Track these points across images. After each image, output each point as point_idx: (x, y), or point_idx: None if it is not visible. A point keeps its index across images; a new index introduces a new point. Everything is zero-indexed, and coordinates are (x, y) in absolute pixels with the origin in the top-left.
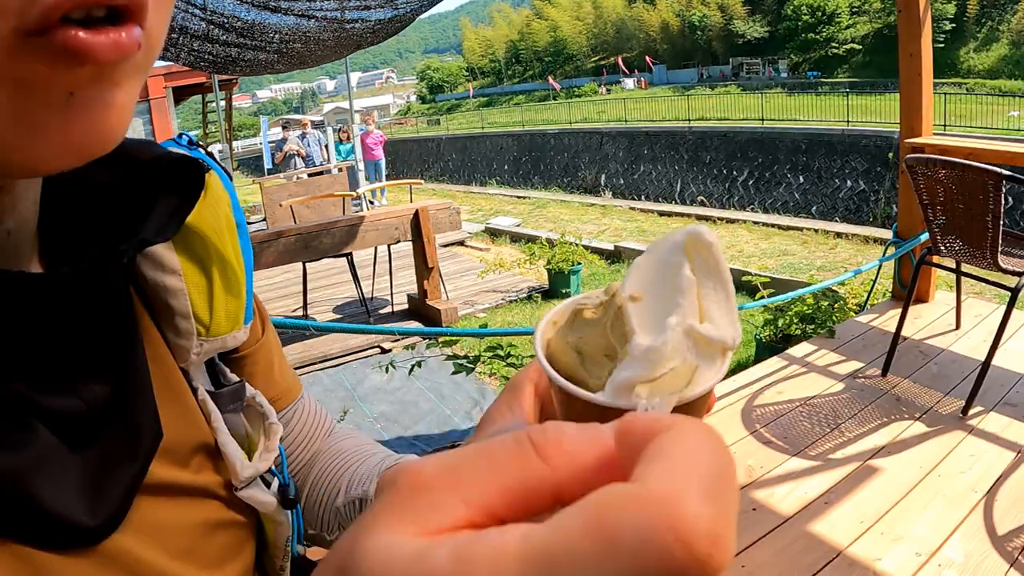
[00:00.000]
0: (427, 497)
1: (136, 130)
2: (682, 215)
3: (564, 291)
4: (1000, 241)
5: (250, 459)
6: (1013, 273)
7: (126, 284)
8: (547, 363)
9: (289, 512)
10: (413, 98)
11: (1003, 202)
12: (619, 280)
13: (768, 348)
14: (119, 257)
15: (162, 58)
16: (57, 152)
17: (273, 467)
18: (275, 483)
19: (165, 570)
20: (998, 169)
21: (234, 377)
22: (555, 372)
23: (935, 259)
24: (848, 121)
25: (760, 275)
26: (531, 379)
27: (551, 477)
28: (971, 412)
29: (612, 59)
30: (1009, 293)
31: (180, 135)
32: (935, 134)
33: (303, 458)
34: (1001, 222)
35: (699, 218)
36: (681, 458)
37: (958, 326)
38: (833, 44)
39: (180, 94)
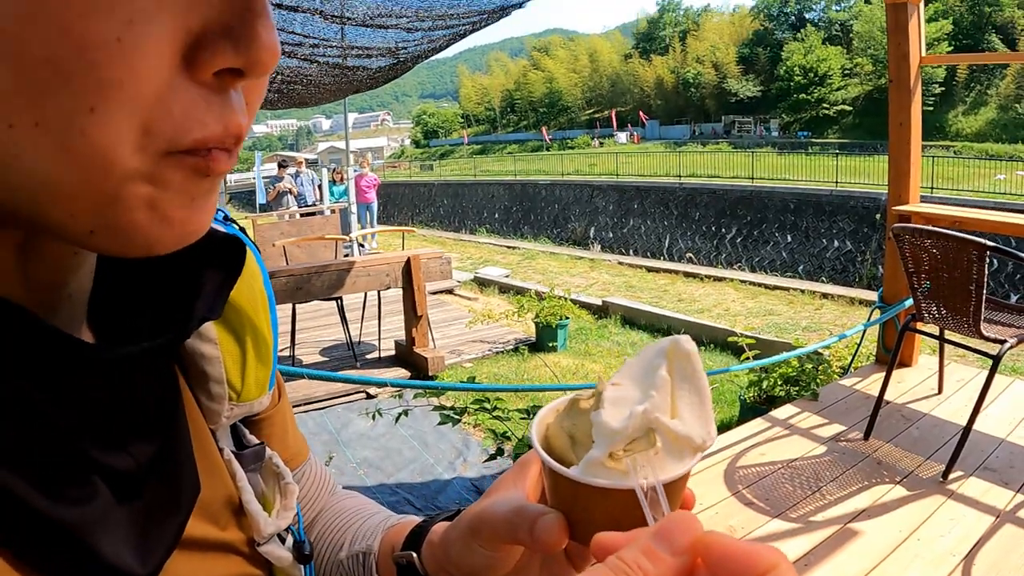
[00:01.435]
0: None
1: None
2: (670, 271)
3: (551, 344)
4: (983, 309)
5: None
6: (995, 340)
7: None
8: (538, 444)
9: (303, 567)
10: (408, 142)
11: (986, 270)
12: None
13: (752, 409)
14: (184, 336)
15: None
16: (171, 239)
17: (291, 524)
18: (290, 539)
19: None
20: (983, 240)
21: (254, 439)
22: (544, 452)
23: (919, 325)
24: (837, 182)
25: (746, 336)
26: (537, 460)
27: None
28: (951, 476)
29: (606, 112)
30: (991, 360)
31: (217, 210)
32: (922, 198)
33: (308, 516)
34: (984, 291)
35: (687, 275)
36: None
37: (940, 391)
38: (824, 105)
39: None
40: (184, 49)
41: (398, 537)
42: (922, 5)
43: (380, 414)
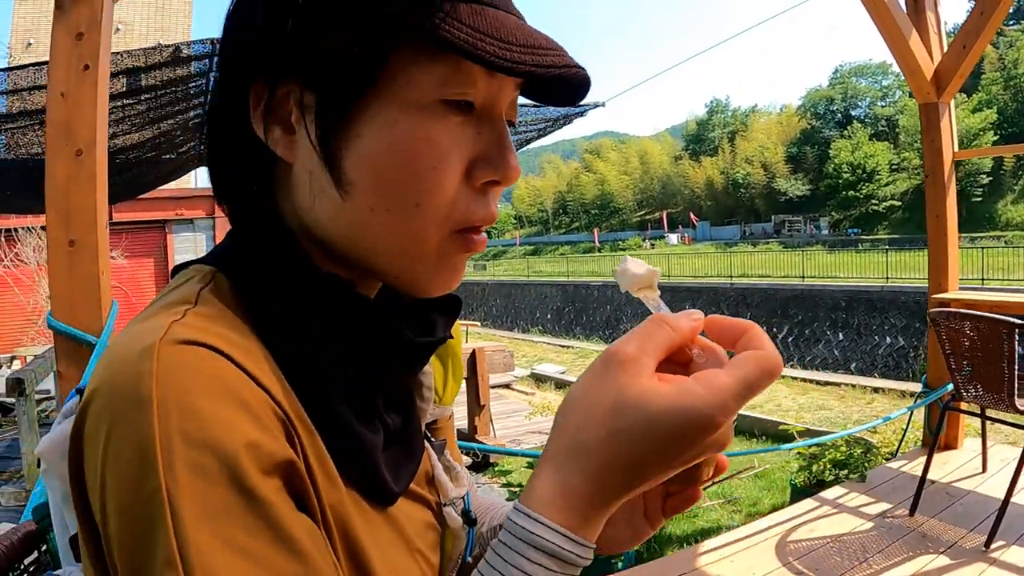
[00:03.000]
0: (641, 364)
1: (200, 245)
2: None
3: None
4: (1016, 384)
5: None
6: None
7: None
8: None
9: (469, 529)
10: None
11: (1016, 347)
12: None
13: (803, 492)
14: (443, 341)
15: None
16: (440, 288)
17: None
18: (460, 509)
19: (413, 540)
20: (1011, 319)
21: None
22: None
23: (961, 404)
24: (887, 278)
25: (795, 425)
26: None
27: (679, 340)
28: (993, 545)
29: (657, 214)
30: None
31: None
32: (972, 288)
33: None
34: (1016, 367)
35: None
36: (769, 343)
37: (984, 469)
38: (873, 201)
39: None
40: (465, 170)
41: None
42: (952, 104)
43: None
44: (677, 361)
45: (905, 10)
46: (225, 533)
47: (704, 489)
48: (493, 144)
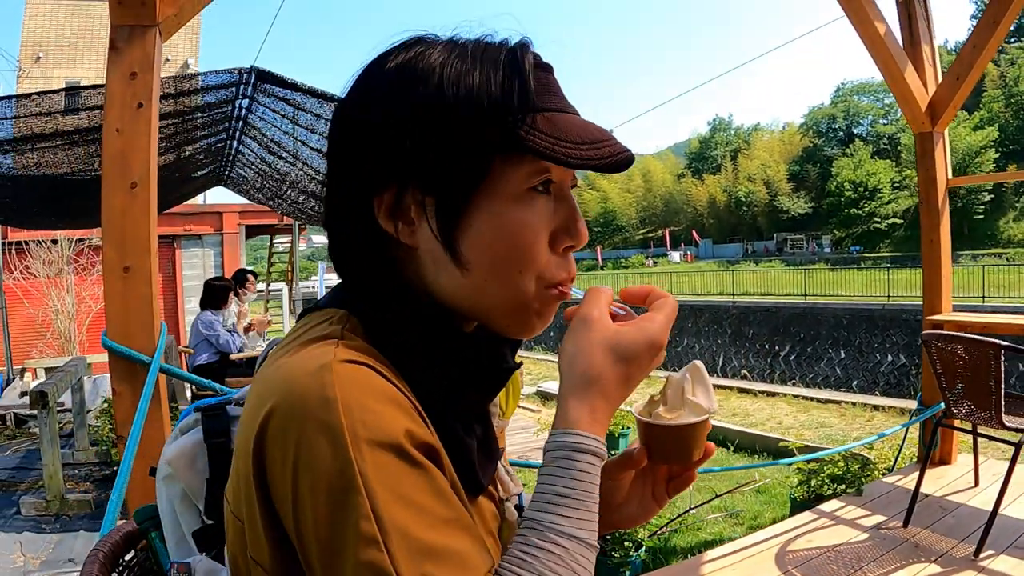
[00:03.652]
0: (604, 318)
1: (208, 260)
2: (724, 387)
3: (612, 452)
4: (1003, 402)
5: None
6: (1016, 430)
7: None
8: (636, 414)
9: None
10: None
11: (1003, 367)
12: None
13: (802, 505)
14: (517, 367)
15: (272, 208)
16: (535, 331)
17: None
18: (515, 503)
19: (488, 523)
20: (998, 341)
21: None
22: (637, 415)
23: (956, 422)
24: (889, 296)
25: (794, 442)
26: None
27: (610, 297)
28: (982, 555)
29: (660, 232)
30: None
31: None
32: (969, 308)
33: None
34: (1003, 386)
35: (740, 391)
36: (664, 292)
37: (976, 483)
38: (875, 219)
39: (251, 232)
40: (551, 239)
41: None
42: (946, 132)
43: None
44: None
45: (901, 43)
46: (399, 490)
47: (708, 503)
48: (569, 217)
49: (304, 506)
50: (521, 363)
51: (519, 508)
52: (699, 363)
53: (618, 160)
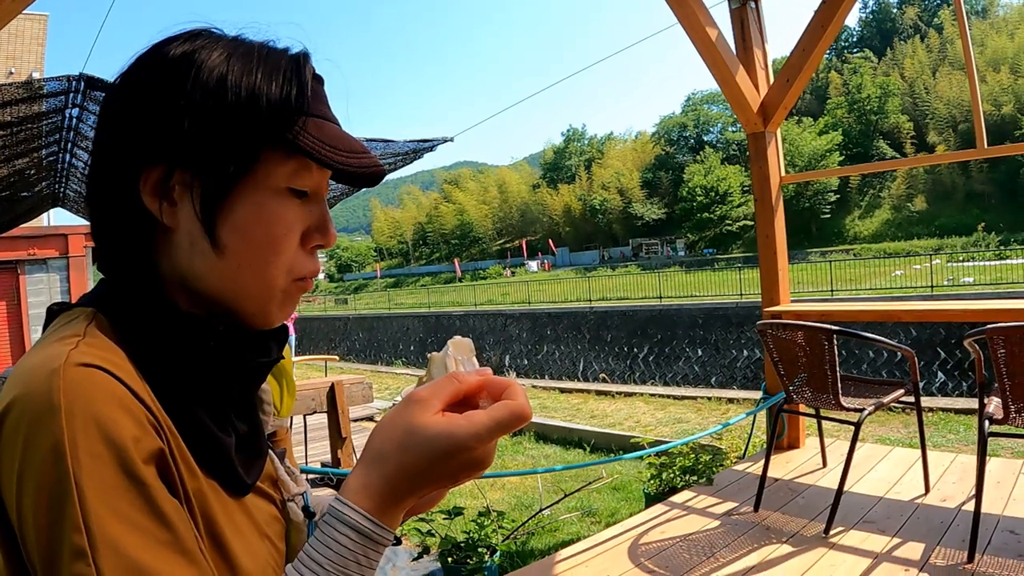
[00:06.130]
0: (429, 404)
1: (54, 286)
2: (583, 391)
3: None
4: (839, 385)
5: None
6: (853, 410)
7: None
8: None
9: (308, 522)
10: (322, 276)
11: (836, 351)
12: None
13: (655, 499)
14: (276, 362)
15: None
16: (280, 321)
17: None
18: (300, 504)
19: (263, 527)
20: (829, 326)
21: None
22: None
23: (800, 408)
24: (741, 294)
25: (644, 437)
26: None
27: (464, 389)
28: (832, 532)
29: (517, 242)
30: (852, 426)
31: None
32: (825, 300)
33: None
34: (838, 369)
35: (599, 393)
36: (522, 395)
37: (824, 464)
38: (727, 222)
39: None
40: (303, 236)
41: None
42: (779, 132)
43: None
44: (471, 405)
45: (734, 48)
46: (115, 505)
47: (558, 503)
48: (321, 218)
49: (27, 515)
50: (281, 357)
51: (305, 508)
52: (459, 337)
53: (373, 172)
